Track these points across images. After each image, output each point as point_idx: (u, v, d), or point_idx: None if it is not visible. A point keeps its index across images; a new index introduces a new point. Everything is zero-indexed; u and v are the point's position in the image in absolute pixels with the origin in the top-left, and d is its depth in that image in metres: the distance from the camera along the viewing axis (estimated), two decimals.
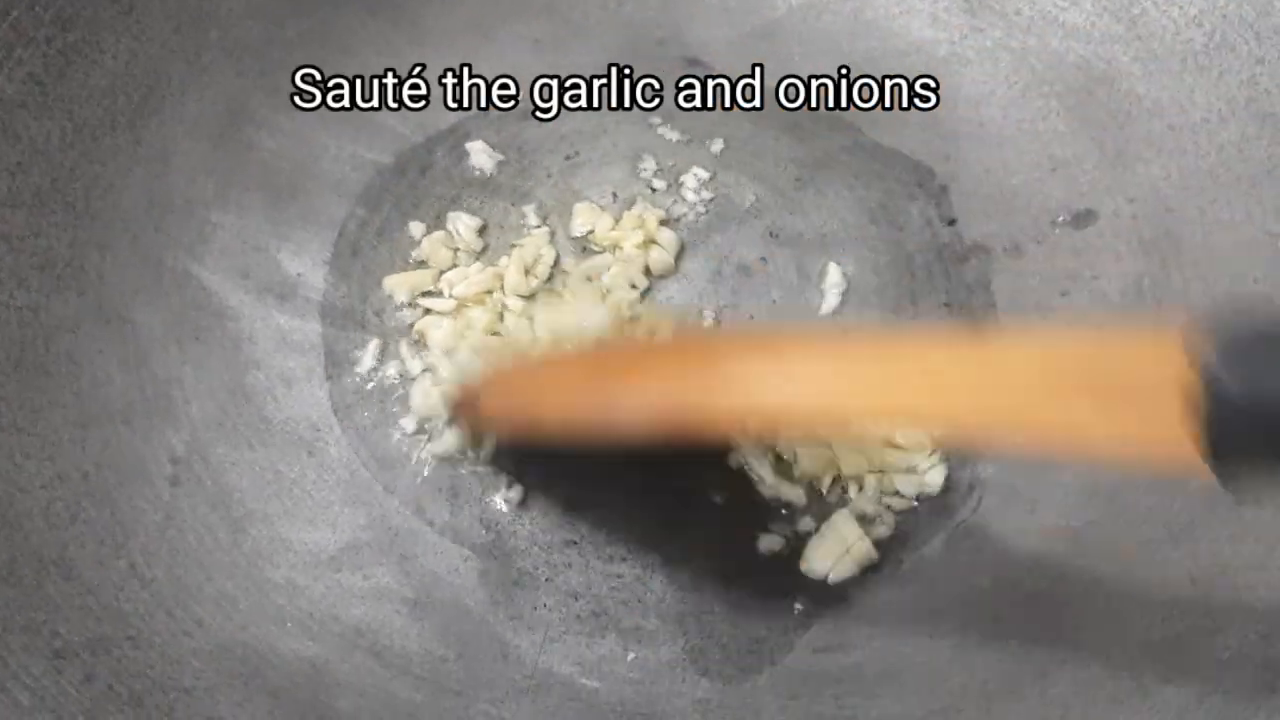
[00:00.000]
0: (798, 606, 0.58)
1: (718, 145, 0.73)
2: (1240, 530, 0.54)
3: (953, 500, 0.60)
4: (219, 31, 0.70)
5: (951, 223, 0.69)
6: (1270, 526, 0.53)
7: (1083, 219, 0.67)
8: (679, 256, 0.69)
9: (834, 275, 0.68)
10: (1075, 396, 0.38)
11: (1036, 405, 0.39)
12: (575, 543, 0.60)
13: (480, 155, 0.72)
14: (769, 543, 0.59)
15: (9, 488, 0.54)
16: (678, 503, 0.60)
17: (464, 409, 0.61)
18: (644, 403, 0.49)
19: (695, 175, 0.72)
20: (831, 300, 0.67)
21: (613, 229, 0.69)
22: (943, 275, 0.67)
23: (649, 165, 0.72)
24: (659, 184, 0.71)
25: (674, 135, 0.73)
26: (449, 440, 0.62)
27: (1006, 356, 0.41)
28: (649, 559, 0.59)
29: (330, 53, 0.73)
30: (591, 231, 0.70)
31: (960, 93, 0.73)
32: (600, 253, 0.69)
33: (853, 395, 0.44)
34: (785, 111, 0.74)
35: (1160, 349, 0.35)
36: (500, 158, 0.72)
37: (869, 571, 0.58)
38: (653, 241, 0.68)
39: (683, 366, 0.49)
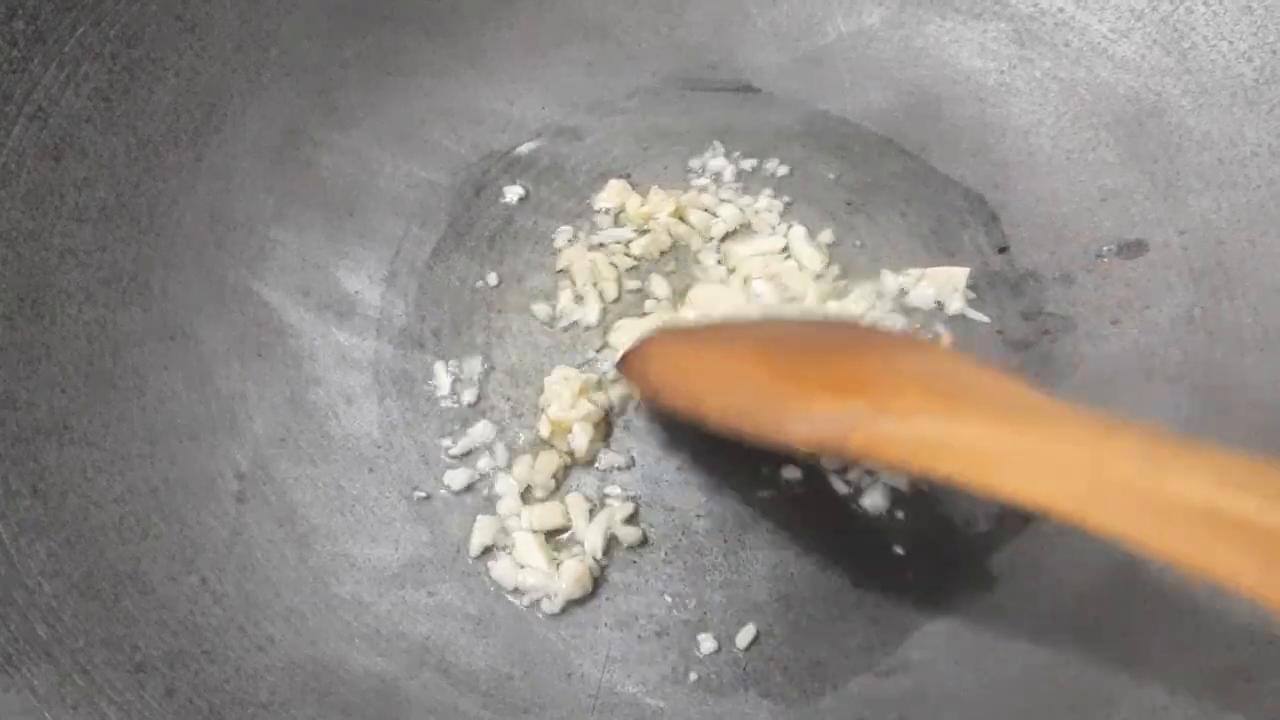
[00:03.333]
0: (859, 629, 0.58)
1: (772, 167, 0.74)
2: None
3: (1012, 527, 0.60)
4: (279, 50, 0.71)
5: (1003, 250, 0.70)
6: None
7: (1133, 249, 0.68)
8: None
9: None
10: (1238, 532, 0.35)
11: (1195, 532, 0.36)
12: (635, 562, 0.60)
13: (513, 194, 0.74)
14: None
15: (83, 501, 0.54)
16: (739, 525, 0.61)
17: (630, 369, 0.62)
18: (813, 424, 0.48)
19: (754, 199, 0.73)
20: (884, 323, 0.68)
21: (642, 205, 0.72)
22: (995, 303, 0.68)
23: (704, 184, 0.73)
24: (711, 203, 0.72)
25: (727, 159, 0.74)
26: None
27: (1174, 465, 0.37)
28: (708, 580, 0.59)
29: (387, 73, 0.74)
30: (621, 209, 0.72)
31: (1010, 122, 0.74)
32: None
33: (1011, 473, 0.42)
34: (836, 136, 0.75)
35: None
36: (521, 193, 0.74)
37: (931, 597, 0.59)
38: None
39: (858, 388, 0.48)
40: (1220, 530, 0.35)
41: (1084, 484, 0.39)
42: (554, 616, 0.58)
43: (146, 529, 0.55)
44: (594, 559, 0.60)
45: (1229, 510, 0.35)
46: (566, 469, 0.63)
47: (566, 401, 0.62)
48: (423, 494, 0.62)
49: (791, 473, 0.62)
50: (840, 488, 0.62)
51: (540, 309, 0.69)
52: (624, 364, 0.63)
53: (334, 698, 0.53)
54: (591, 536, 0.60)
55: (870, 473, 0.62)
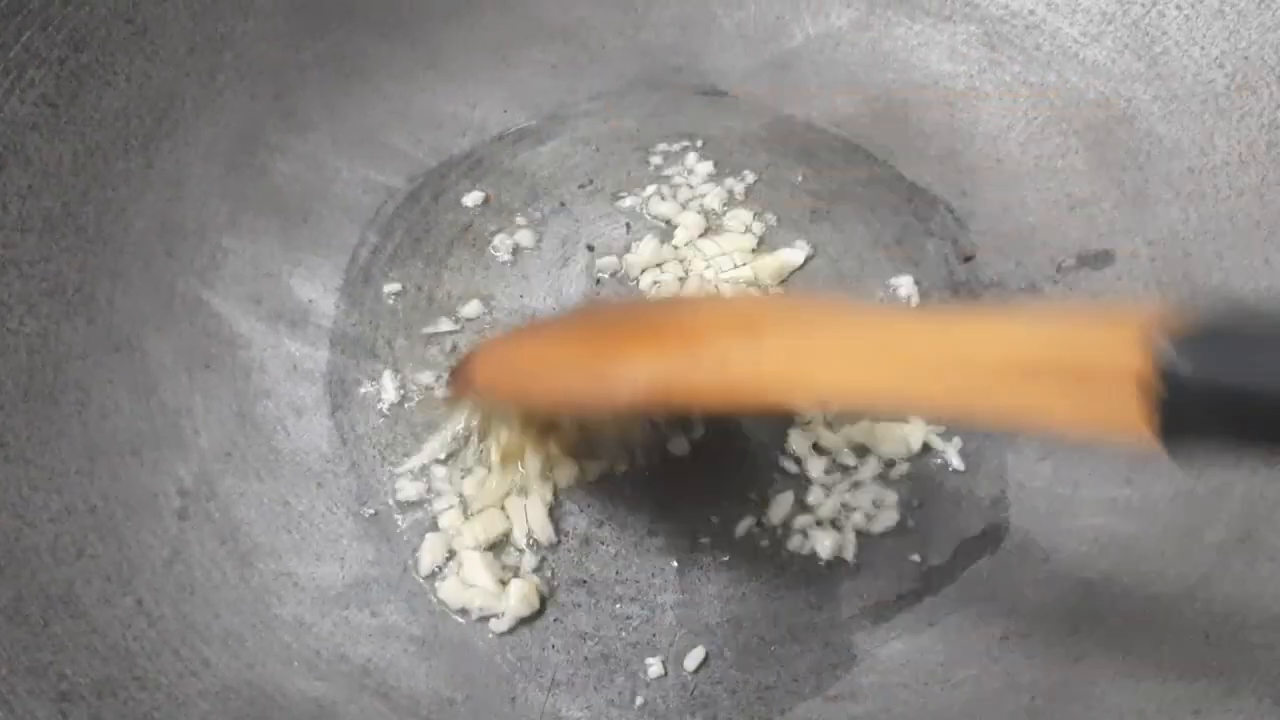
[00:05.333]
0: (809, 653, 0.57)
1: (742, 176, 0.73)
2: (1256, 585, 0.53)
3: (967, 549, 0.59)
4: (233, 54, 0.70)
5: (969, 259, 0.69)
6: None
7: (1100, 259, 0.66)
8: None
9: None
10: (1039, 378, 0.39)
11: (1000, 385, 0.40)
12: (584, 582, 0.59)
13: (472, 200, 0.72)
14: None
15: (16, 522, 0.53)
16: (690, 545, 0.60)
17: (460, 383, 0.61)
18: (633, 379, 0.50)
19: (707, 204, 0.71)
20: None
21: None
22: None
23: (664, 193, 0.72)
24: (668, 210, 0.71)
25: (694, 165, 0.73)
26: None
27: (972, 335, 0.42)
28: (659, 601, 0.58)
29: (345, 76, 0.73)
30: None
31: (978, 127, 0.73)
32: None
33: (821, 372, 0.45)
34: (802, 141, 0.74)
35: (1120, 335, 0.37)
36: (481, 198, 0.72)
37: (882, 622, 0.58)
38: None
39: (666, 341, 0.51)
40: (1019, 377, 0.40)
41: (894, 370, 0.43)
42: (500, 637, 0.57)
43: (82, 549, 0.54)
44: (538, 584, 0.59)
45: (1022, 358, 0.40)
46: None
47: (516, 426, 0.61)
48: (371, 510, 0.61)
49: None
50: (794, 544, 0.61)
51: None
52: (451, 381, 0.63)
53: None
54: (537, 525, 0.60)
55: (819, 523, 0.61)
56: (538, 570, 0.59)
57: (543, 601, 0.58)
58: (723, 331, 0.49)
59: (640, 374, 0.50)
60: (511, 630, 0.58)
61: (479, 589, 0.58)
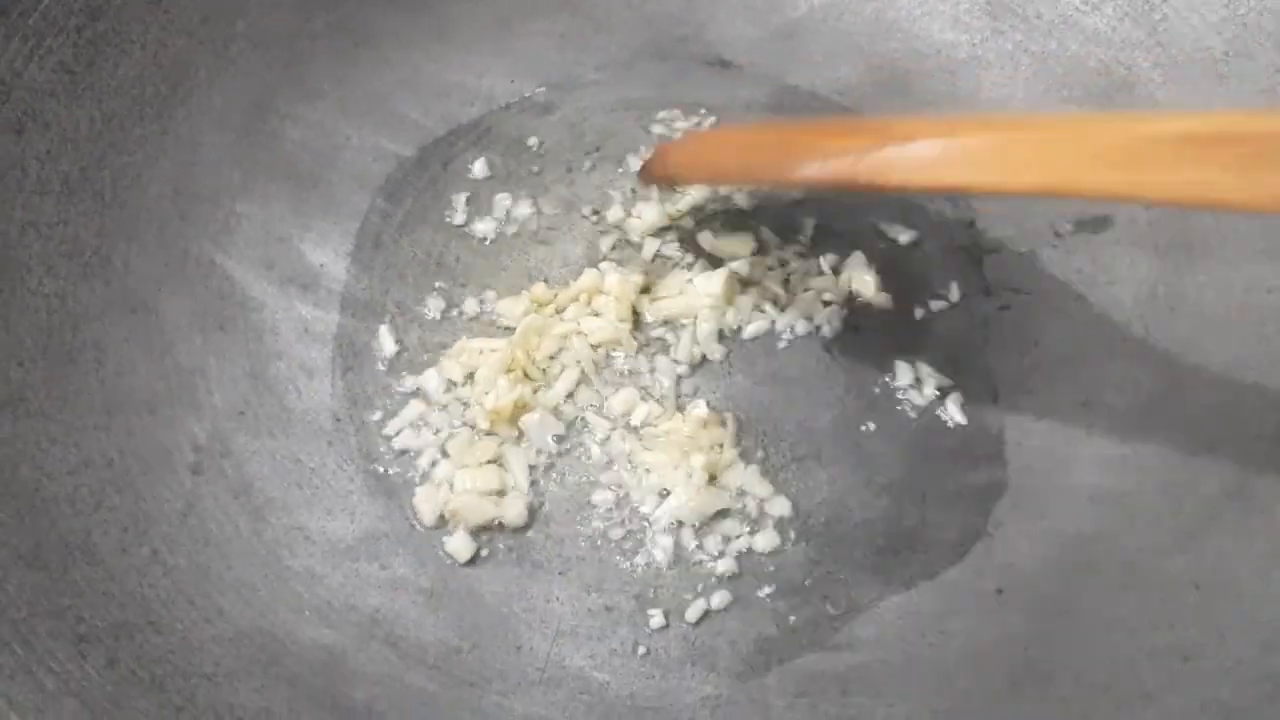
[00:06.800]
0: (808, 605, 0.58)
1: None
2: (1246, 537, 0.54)
3: (965, 505, 0.60)
4: (246, 23, 0.71)
5: (970, 224, 0.70)
6: (1273, 535, 0.53)
7: (1098, 224, 0.67)
8: None
9: (856, 264, 0.68)
10: (1211, 157, 0.41)
11: (1177, 166, 0.42)
12: (589, 536, 0.60)
13: (480, 168, 0.73)
14: None
15: (36, 473, 0.55)
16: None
17: (655, 168, 0.67)
18: (818, 160, 0.55)
19: None
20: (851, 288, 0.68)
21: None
22: (958, 277, 0.68)
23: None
24: None
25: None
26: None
27: (1144, 117, 0.47)
28: (661, 555, 0.60)
29: (354, 46, 0.74)
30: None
31: (980, 95, 0.73)
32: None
33: (1007, 165, 0.49)
34: (806, 111, 0.75)
35: None
36: (489, 173, 0.73)
37: (881, 575, 0.59)
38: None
39: (852, 136, 0.55)
40: (1192, 155, 0.42)
41: (1070, 158, 0.47)
42: (507, 590, 0.59)
43: (100, 501, 0.56)
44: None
45: (1195, 134, 0.42)
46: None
47: (499, 384, 0.63)
48: (380, 468, 0.62)
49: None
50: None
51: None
52: (644, 171, 0.69)
53: (280, 669, 0.53)
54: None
55: None
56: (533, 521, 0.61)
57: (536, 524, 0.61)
58: (915, 126, 0.53)
59: (833, 157, 0.54)
60: (517, 580, 0.59)
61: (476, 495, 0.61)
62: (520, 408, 0.63)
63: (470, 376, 0.64)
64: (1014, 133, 0.49)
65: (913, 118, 0.58)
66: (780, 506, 0.61)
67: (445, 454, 0.63)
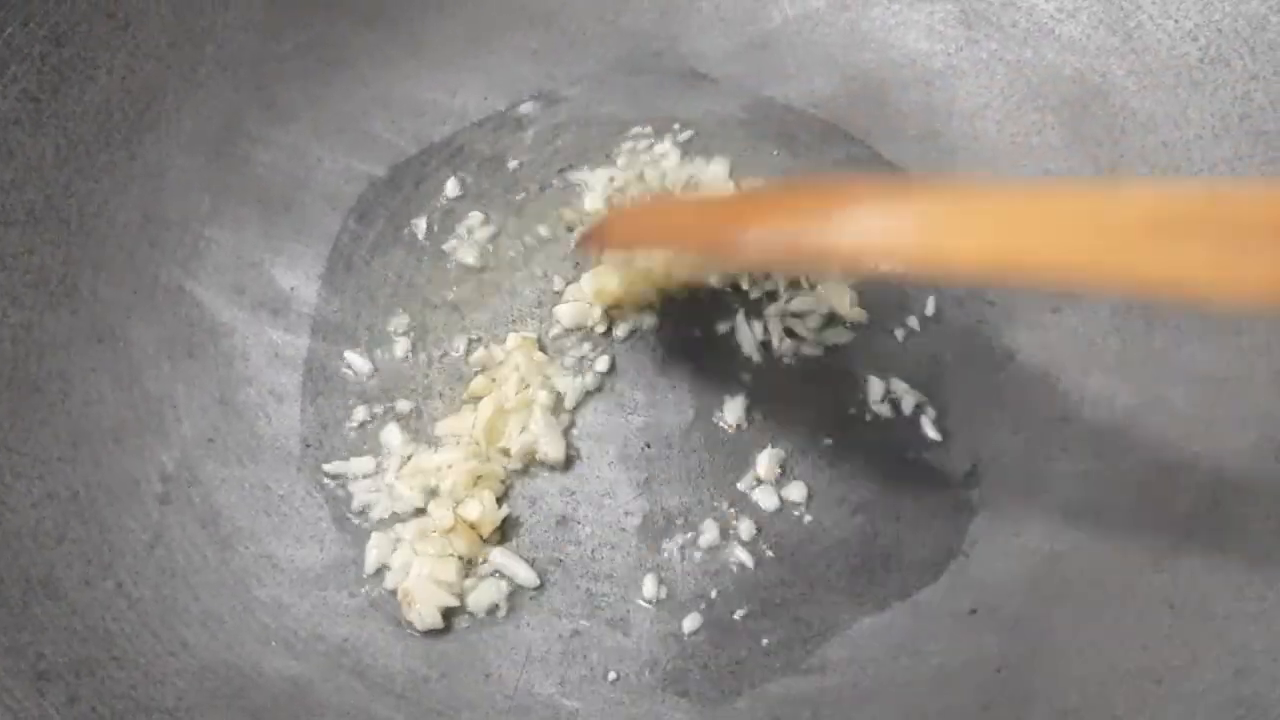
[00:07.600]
0: (780, 628, 0.58)
1: (721, 157, 0.73)
2: (1220, 557, 0.54)
3: (939, 522, 0.60)
4: (214, 46, 0.70)
5: None
6: (1248, 553, 0.53)
7: None
8: None
9: (832, 280, 0.68)
10: (1189, 236, 0.37)
11: (1146, 244, 0.38)
12: (560, 561, 0.60)
13: (452, 187, 0.73)
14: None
15: None
16: (664, 526, 0.60)
17: (591, 241, 0.65)
18: (756, 236, 0.51)
19: (686, 185, 0.71)
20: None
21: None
22: (934, 291, 0.67)
23: (645, 175, 0.72)
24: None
25: (670, 147, 0.73)
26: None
27: (1115, 196, 0.40)
28: (632, 578, 0.59)
29: (325, 66, 0.74)
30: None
31: (956, 105, 0.73)
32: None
33: (963, 240, 0.43)
34: (780, 123, 0.74)
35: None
36: (460, 192, 0.73)
37: (854, 596, 0.58)
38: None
39: (794, 208, 0.51)
40: (1166, 237, 0.38)
41: (1034, 236, 0.41)
42: (477, 619, 0.58)
43: (63, 534, 0.56)
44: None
45: (1170, 215, 0.38)
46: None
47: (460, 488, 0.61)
48: (348, 494, 0.62)
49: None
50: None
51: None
52: (582, 241, 0.67)
53: (244, 702, 0.53)
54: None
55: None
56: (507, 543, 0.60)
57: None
58: (862, 194, 0.48)
59: (776, 231, 0.50)
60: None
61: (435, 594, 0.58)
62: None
63: (433, 491, 0.62)
64: (978, 204, 0.44)
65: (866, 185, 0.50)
66: (752, 526, 0.60)
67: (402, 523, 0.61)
